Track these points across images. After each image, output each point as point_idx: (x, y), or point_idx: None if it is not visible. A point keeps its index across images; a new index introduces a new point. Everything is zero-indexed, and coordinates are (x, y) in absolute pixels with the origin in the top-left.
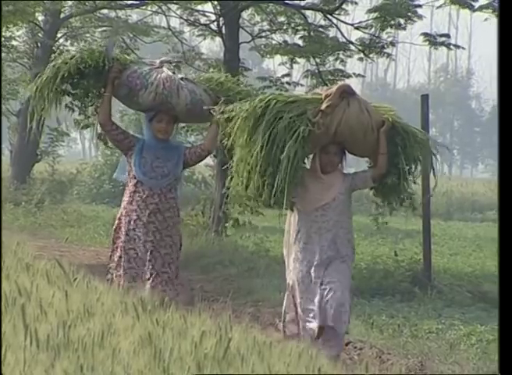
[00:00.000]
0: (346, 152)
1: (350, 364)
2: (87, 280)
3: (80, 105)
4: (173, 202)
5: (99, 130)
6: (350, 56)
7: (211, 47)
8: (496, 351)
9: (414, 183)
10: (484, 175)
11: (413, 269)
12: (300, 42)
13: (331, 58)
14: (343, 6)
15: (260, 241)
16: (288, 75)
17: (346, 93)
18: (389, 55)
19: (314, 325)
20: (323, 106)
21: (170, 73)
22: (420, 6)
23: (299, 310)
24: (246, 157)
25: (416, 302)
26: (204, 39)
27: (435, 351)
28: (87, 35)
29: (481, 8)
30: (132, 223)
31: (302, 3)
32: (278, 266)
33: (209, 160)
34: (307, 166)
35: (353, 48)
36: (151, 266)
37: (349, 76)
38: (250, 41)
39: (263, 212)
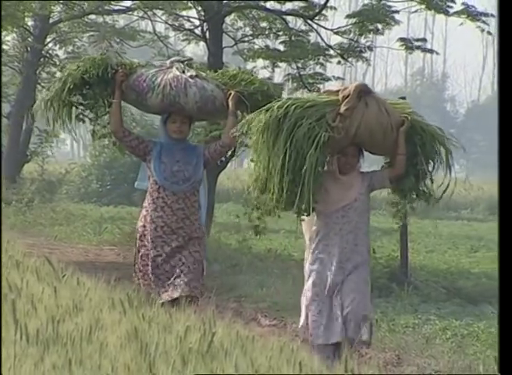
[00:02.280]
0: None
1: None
2: (76, 276)
3: (93, 115)
4: (197, 205)
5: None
6: (329, 61)
7: (196, 51)
8: (470, 344)
9: (432, 181)
10: (458, 175)
11: (390, 266)
12: (282, 47)
13: (311, 62)
14: (323, 12)
15: (243, 238)
16: (270, 79)
17: (364, 92)
18: (366, 59)
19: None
20: (342, 109)
21: (178, 73)
22: (397, 12)
23: (309, 314)
24: (267, 164)
25: (393, 298)
26: (189, 43)
27: (411, 345)
28: (76, 40)
29: (456, 13)
30: (159, 229)
31: (283, 9)
32: (260, 263)
33: None
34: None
35: (332, 52)
36: (181, 264)
37: (328, 80)
38: (233, 46)
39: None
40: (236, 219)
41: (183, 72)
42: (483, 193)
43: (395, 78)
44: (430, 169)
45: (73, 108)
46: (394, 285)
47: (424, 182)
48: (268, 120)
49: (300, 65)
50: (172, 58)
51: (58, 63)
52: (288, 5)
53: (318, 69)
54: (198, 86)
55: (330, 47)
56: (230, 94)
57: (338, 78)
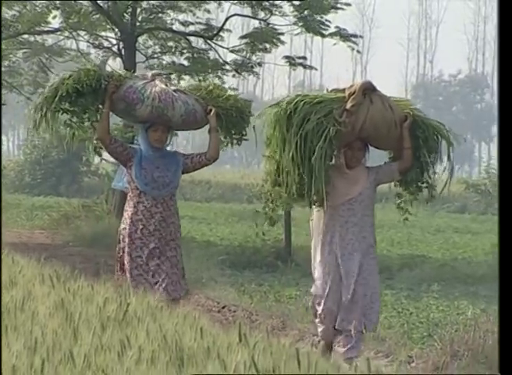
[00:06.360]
0: (369, 146)
1: (225, 324)
2: (11, 256)
3: (78, 121)
4: (174, 209)
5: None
6: (226, 74)
7: (113, 66)
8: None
9: (434, 173)
10: None
11: (276, 247)
12: (186, 62)
13: (211, 75)
14: (220, 33)
15: None
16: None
17: (368, 90)
18: (257, 73)
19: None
20: (348, 105)
21: (164, 86)
22: (282, 34)
23: (322, 305)
24: (278, 158)
25: (279, 273)
26: (107, 59)
27: (294, 313)
28: (11, 56)
29: (330, 35)
30: (138, 232)
31: (187, 30)
32: None
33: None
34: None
35: (228, 67)
36: (160, 270)
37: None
38: (144, 61)
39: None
40: None
41: (166, 85)
42: None
43: (280, 89)
44: (432, 160)
45: (60, 114)
46: (279, 263)
47: (427, 173)
48: (279, 115)
49: (201, 77)
50: (153, 72)
51: None
52: (191, 28)
53: (217, 81)
54: (182, 100)
55: (226, 63)
56: (211, 110)
57: (233, 89)
